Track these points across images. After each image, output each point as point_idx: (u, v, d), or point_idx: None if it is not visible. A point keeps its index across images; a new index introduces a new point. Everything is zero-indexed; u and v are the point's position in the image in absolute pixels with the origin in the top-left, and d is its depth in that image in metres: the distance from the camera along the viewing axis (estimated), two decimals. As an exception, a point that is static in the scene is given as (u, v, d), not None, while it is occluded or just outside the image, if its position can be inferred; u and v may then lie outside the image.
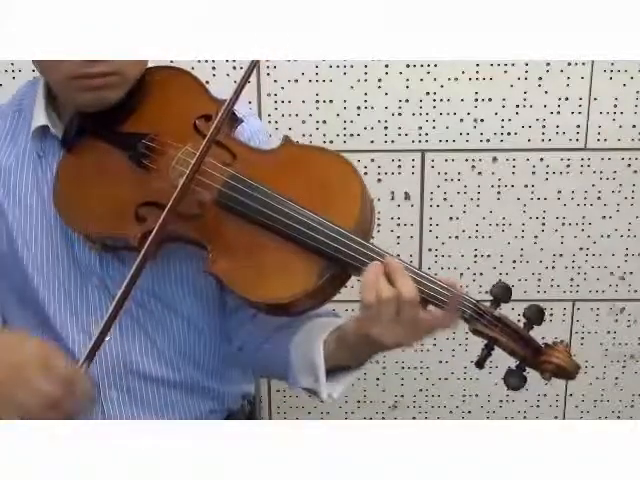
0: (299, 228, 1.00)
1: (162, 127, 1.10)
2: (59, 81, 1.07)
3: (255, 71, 1.58)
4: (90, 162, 1.11)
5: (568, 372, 1.00)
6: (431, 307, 0.99)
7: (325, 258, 1.00)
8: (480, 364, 1.00)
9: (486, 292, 1.64)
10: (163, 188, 1.05)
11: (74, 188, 1.11)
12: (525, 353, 1.00)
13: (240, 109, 1.12)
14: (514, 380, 1.00)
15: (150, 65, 1.15)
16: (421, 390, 1.82)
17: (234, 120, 1.11)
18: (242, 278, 1.02)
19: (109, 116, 1.10)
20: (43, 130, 1.13)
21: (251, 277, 1.02)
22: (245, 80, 1.05)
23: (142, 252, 0.98)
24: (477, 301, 1.00)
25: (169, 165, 1.07)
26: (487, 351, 1.00)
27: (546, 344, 1.01)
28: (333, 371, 1.07)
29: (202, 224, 1.05)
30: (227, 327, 1.22)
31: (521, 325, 1.01)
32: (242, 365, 1.28)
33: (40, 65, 1.09)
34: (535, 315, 1.01)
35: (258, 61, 1.07)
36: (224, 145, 1.07)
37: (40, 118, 1.13)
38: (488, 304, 1.01)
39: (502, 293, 1.01)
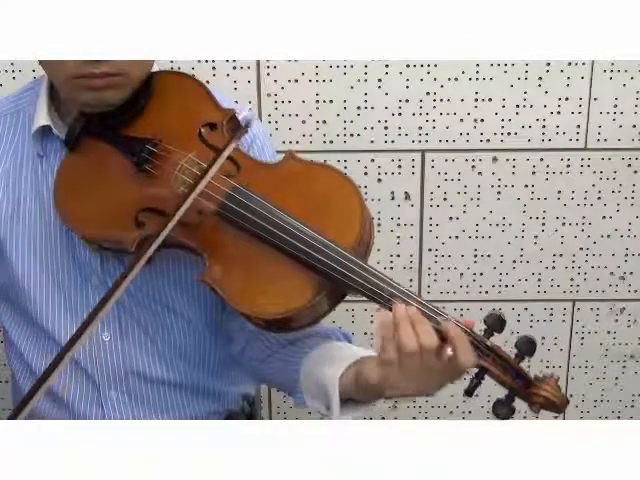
0: (296, 244, 1.00)
1: (166, 133, 1.09)
2: (62, 80, 1.07)
3: (255, 71, 1.58)
4: (92, 163, 1.11)
5: (557, 406, 1.00)
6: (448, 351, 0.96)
7: (321, 275, 1.00)
8: (469, 393, 1.00)
9: (486, 292, 1.64)
10: (165, 195, 1.05)
11: (74, 188, 1.10)
12: (515, 384, 1.00)
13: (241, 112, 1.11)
14: (503, 410, 1.00)
15: (155, 67, 1.15)
16: (421, 390, 1.82)
17: (240, 131, 1.10)
18: (236, 290, 1.02)
19: (114, 118, 1.10)
20: (44, 130, 1.13)
21: (245, 290, 1.02)
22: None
23: (140, 262, 0.97)
24: (470, 330, 0.99)
25: (172, 172, 1.06)
26: (477, 380, 1.00)
27: (536, 377, 1.01)
28: (345, 401, 1.06)
29: (200, 233, 1.04)
30: (228, 329, 1.22)
31: (512, 356, 1.01)
32: (246, 371, 1.28)
33: (44, 64, 1.08)
34: (527, 346, 1.01)
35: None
36: (229, 156, 1.06)
37: (42, 118, 1.12)
38: (482, 333, 1.00)
39: (496, 323, 1.00)
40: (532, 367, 1.04)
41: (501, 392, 1.02)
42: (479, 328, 1.01)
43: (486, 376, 1.00)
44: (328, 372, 1.06)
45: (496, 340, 1.01)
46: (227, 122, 1.09)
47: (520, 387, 1.00)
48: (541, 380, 1.00)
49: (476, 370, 1.00)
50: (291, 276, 1.01)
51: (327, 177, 1.07)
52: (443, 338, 0.96)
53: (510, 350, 1.02)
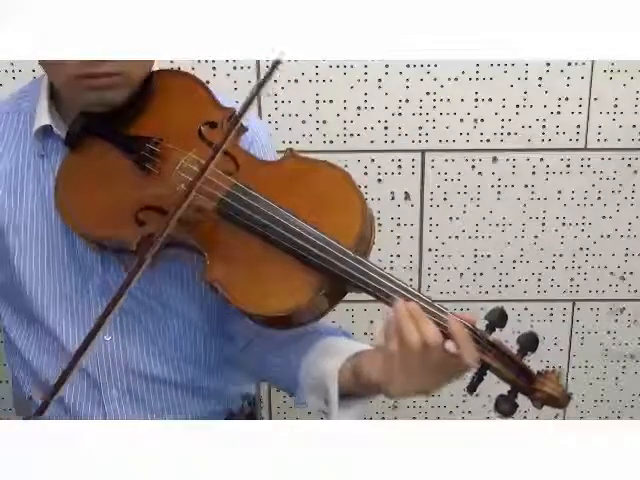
0: (297, 242, 1.00)
1: (167, 132, 1.09)
2: (63, 80, 1.07)
3: (255, 71, 1.58)
4: (92, 162, 1.11)
5: (559, 402, 1.00)
6: (450, 345, 0.96)
7: (322, 273, 1.00)
8: (472, 389, 0.99)
9: (486, 292, 1.64)
10: (165, 194, 1.04)
11: (75, 187, 1.10)
12: (517, 380, 0.99)
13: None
14: (505, 406, 0.99)
15: (155, 66, 1.15)
16: (421, 390, 1.82)
17: (240, 128, 1.09)
18: (237, 288, 1.02)
19: (115, 117, 1.10)
20: (45, 130, 1.13)
21: (246, 288, 1.02)
22: (252, 97, 1.04)
23: (144, 263, 0.97)
24: (472, 326, 0.99)
25: (172, 171, 1.06)
26: (479, 376, 0.99)
27: (539, 372, 1.01)
28: (344, 397, 1.06)
29: (201, 231, 1.04)
30: (230, 329, 1.22)
31: (514, 351, 1.00)
32: (246, 370, 1.28)
33: (45, 64, 1.08)
34: (529, 342, 1.00)
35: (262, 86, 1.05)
36: (229, 154, 1.06)
37: (43, 118, 1.12)
38: (483, 328, 1.00)
39: (497, 318, 1.00)
40: (532, 367, 1.04)
41: (501, 391, 1.02)
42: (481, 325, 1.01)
43: (488, 372, 1.00)
44: (327, 365, 1.07)
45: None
46: (227, 121, 1.09)
47: (523, 383, 1.00)
48: (543, 375, 1.00)
49: (478, 366, 1.00)
50: (292, 274, 1.01)
51: (327, 174, 1.07)
52: (445, 335, 0.96)
53: (512, 346, 1.02)
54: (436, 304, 0.99)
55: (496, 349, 0.99)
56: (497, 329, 1.00)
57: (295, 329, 1.07)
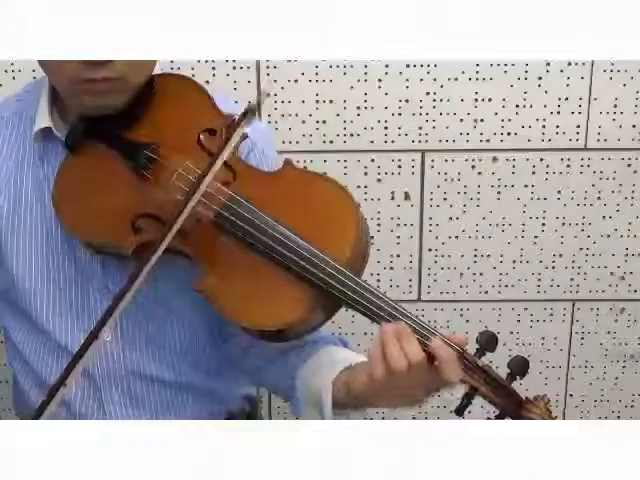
0: (291, 257, 0.99)
1: (165, 138, 1.08)
2: (62, 84, 1.07)
3: (255, 71, 1.58)
4: (91, 166, 1.10)
5: None
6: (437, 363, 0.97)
7: (315, 288, 0.99)
8: (459, 412, 0.99)
9: (486, 292, 1.64)
10: (162, 202, 1.04)
11: (73, 191, 1.10)
12: (506, 404, 0.99)
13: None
14: None
15: (157, 68, 1.14)
16: (421, 390, 1.82)
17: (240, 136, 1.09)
18: (230, 301, 1.01)
19: (115, 120, 1.09)
20: (45, 132, 1.13)
21: (238, 301, 1.01)
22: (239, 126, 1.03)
23: (140, 274, 0.97)
24: (463, 350, 0.99)
25: (168, 179, 1.05)
26: (467, 400, 0.99)
27: (527, 398, 1.00)
28: (339, 407, 1.06)
29: (197, 241, 1.04)
30: (228, 333, 1.22)
31: (504, 376, 1.00)
32: (245, 374, 1.27)
33: (44, 66, 1.08)
34: (519, 367, 1.00)
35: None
36: (227, 164, 1.05)
37: (43, 120, 1.12)
38: (473, 352, 1.00)
39: (487, 342, 1.00)
40: (532, 367, 1.04)
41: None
42: (473, 344, 1.01)
43: (477, 395, 1.00)
44: (322, 377, 1.07)
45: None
46: (227, 128, 1.08)
47: (511, 408, 0.99)
48: (531, 402, 1.00)
49: (466, 390, 1.00)
50: (286, 289, 1.00)
51: (324, 189, 1.06)
52: (430, 354, 0.97)
53: (506, 355, 1.02)
54: (425, 324, 0.99)
55: (485, 374, 0.99)
56: (487, 352, 1.00)
57: (290, 341, 1.07)
